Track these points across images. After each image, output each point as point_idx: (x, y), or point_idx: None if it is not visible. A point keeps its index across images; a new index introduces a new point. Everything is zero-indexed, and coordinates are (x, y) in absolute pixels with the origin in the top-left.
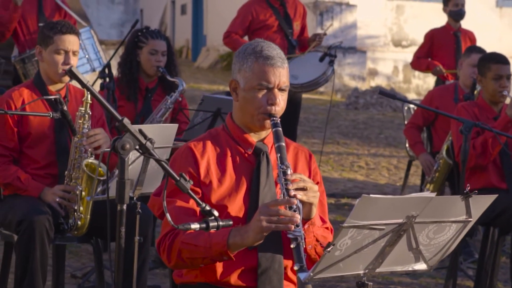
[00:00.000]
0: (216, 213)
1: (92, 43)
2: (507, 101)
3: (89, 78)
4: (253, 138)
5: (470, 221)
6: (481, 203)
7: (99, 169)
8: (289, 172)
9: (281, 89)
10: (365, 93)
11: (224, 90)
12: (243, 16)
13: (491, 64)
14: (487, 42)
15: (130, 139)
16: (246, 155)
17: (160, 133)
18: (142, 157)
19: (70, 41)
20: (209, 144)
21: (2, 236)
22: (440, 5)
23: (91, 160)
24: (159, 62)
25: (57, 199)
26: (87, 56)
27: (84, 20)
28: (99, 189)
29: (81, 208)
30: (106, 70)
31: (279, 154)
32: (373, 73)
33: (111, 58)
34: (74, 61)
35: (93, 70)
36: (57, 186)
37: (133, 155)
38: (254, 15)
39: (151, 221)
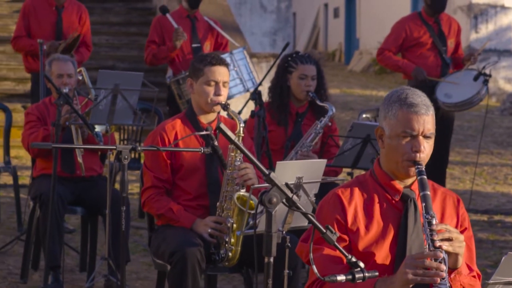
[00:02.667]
0: (362, 264)
1: (245, 63)
2: None
3: (242, 98)
4: (400, 184)
5: None
6: None
7: (250, 201)
8: (434, 222)
9: (426, 136)
10: None
11: (377, 96)
12: (396, 33)
13: None
14: None
15: (277, 193)
16: (394, 201)
17: (309, 168)
18: None
19: (220, 73)
20: (356, 190)
21: (156, 265)
22: None
23: (242, 192)
24: (308, 87)
25: (209, 230)
26: (240, 77)
27: (237, 33)
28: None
29: (232, 240)
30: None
31: (424, 204)
32: None
33: (261, 81)
34: (224, 92)
35: (247, 90)
36: (209, 217)
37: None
38: (408, 32)
39: None
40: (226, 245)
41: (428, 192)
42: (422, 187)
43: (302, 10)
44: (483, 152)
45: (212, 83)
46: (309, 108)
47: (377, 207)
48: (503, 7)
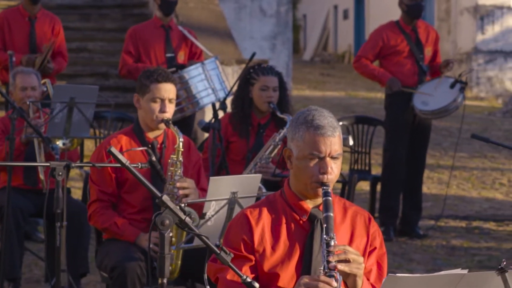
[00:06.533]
0: (256, 285)
1: (217, 73)
2: None
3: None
4: (309, 204)
5: None
6: None
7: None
8: (332, 243)
9: (333, 157)
10: None
11: (381, 98)
12: (373, 41)
13: None
14: None
15: (170, 215)
16: (301, 222)
17: (244, 183)
18: (226, 207)
19: (166, 90)
20: (265, 210)
21: (102, 279)
22: None
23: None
24: (270, 98)
25: (151, 245)
26: (212, 87)
27: (229, 39)
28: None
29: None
30: (227, 102)
31: (325, 225)
32: None
33: (230, 91)
34: (170, 108)
35: (218, 99)
36: (152, 232)
37: (217, 205)
38: (385, 40)
39: None
40: None
41: (331, 214)
42: (326, 208)
43: (312, 11)
44: (476, 156)
45: (158, 100)
46: (271, 119)
47: (284, 228)
48: (509, 8)
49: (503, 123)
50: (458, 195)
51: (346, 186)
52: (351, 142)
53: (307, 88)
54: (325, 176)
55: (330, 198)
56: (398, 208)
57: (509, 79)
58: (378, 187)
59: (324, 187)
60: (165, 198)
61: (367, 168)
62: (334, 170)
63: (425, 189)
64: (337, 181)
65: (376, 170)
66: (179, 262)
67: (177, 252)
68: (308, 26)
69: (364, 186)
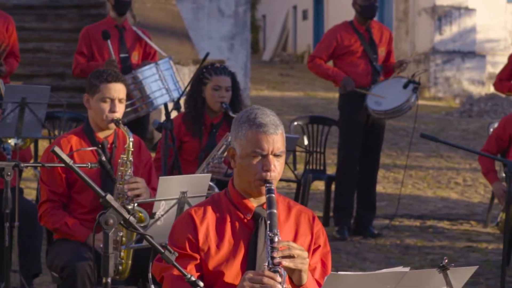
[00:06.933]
0: (201, 284)
1: (171, 73)
2: None
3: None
4: (253, 203)
5: None
6: (461, 275)
7: (140, 214)
8: (276, 239)
9: (276, 155)
10: (479, 100)
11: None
12: (327, 42)
13: None
14: None
15: (114, 215)
16: (245, 220)
17: (193, 183)
18: (176, 207)
19: (116, 89)
20: (209, 209)
21: (53, 279)
22: None
23: (130, 207)
24: (222, 98)
25: (101, 245)
26: (166, 87)
27: (186, 40)
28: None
29: (122, 254)
30: (182, 102)
31: (269, 222)
32: (493, 77)
33: (184, 91)
34: (120, 108)
35: (173, 100)
36: (102, 232)
37: (166, 205)
38: (339, 40)
39: None
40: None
41: (274, 211)
42: (270, 205)
43: (271, 12)
44: (432, 155)
45: (108, 100)
46: (224, 119)
47: (228, 226)
48: (467, 9)
49: (460, 123)
50: (413, 194)
51: (301, 185)
52: (305, 142)
53: (266, 88)
54: (268, 173)
55: (273, 195)
56: (353, 207)
57: (467, 79)
58: (333, 186)
59: (268, 185)
60: (109, 197)
61: (322, 168)
62: (277, 167)
63: (380, 188)
64: (292, 181)
65: (332, 170)
66: (130, 262)
67: (127, 252)
68: (268, 27)
69: (319, 185)
